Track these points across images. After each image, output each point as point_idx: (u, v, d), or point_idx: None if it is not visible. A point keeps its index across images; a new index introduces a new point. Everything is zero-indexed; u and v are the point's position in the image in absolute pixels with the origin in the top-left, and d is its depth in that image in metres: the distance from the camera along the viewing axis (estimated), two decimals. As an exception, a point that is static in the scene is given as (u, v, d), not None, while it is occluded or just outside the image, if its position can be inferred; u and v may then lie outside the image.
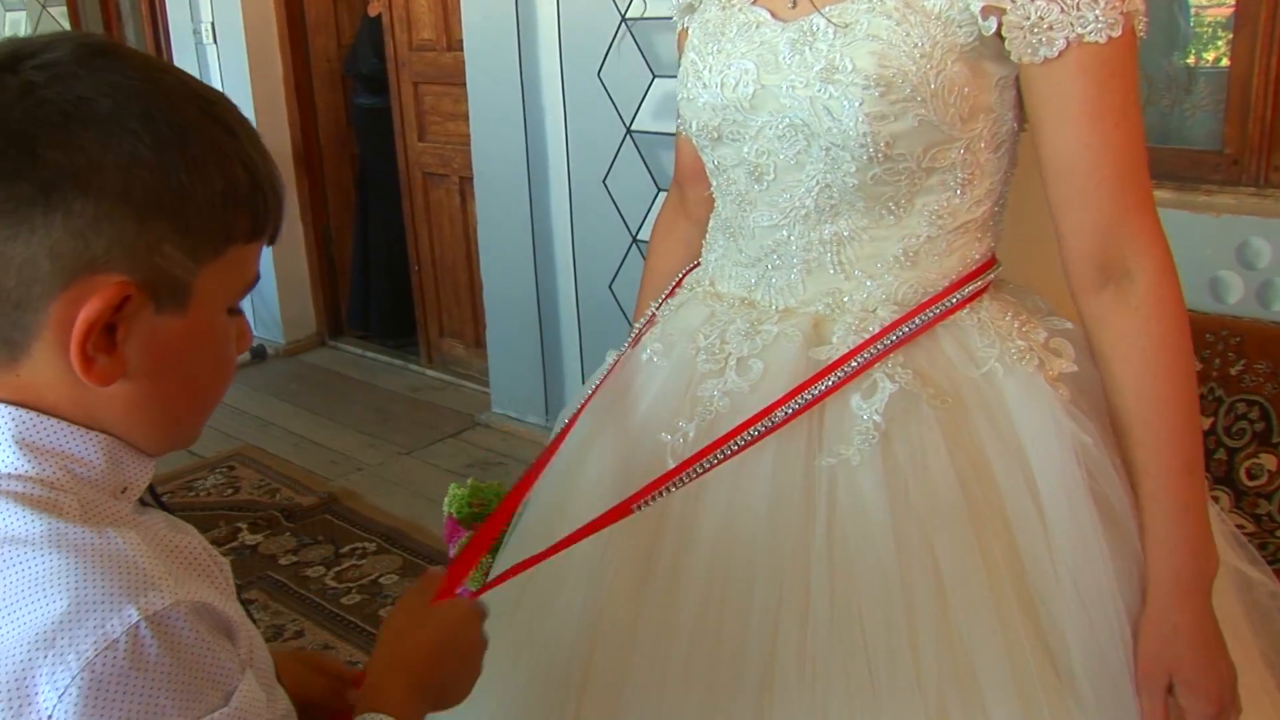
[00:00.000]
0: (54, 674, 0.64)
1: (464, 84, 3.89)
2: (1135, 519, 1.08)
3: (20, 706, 0.64)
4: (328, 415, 4.33)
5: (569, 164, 3.61)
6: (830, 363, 1.10)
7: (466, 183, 4.24)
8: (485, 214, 3.98)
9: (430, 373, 4.70)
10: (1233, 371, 2.20)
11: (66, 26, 6.16)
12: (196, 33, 4.95)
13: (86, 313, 0.70)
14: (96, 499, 0.73)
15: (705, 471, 1.09)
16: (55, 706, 0.64)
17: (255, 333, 5.08)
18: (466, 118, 3.94)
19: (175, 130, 0.72)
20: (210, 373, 0.80)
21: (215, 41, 4.89)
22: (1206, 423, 2.21)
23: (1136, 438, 1.06)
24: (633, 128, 3.36)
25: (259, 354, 4.98)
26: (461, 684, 0.96)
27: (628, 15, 3.26)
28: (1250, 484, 2.16)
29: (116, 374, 0.72)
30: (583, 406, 1.27)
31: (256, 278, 0.81)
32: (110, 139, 0.69)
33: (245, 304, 0.83)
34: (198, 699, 0.68)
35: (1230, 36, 2.44)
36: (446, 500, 2.51)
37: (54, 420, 0.73)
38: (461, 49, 3.88)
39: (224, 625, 0.72)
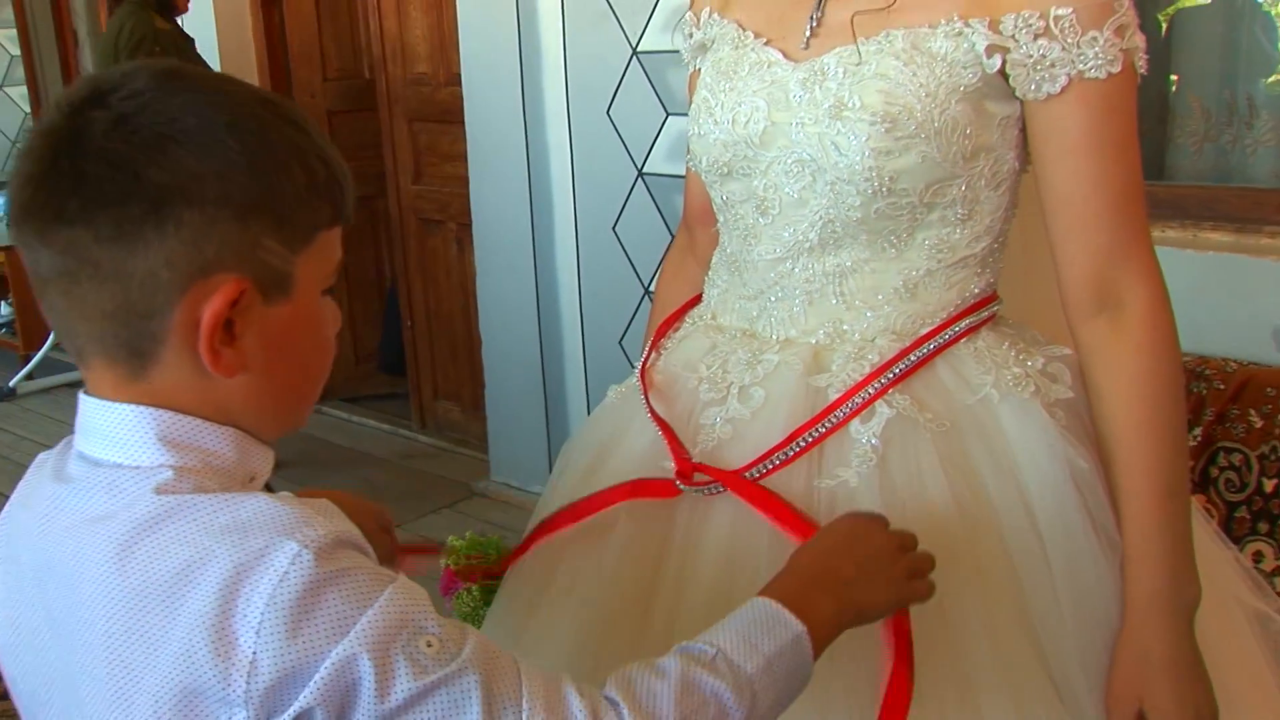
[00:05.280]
0: (246, 615, 0.82)
1: (462, 122, 4.06)
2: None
3: (227, 652, 0.81)
4: (310, 486, 4.42)
5: (576, 209, 3.77)
6: (832, 401, 1.29)
7: (464, 229, 4.39)
8: (485, 264, 4.14)
9: (423, 438, 4.88)
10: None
11: (15, 51, 6.63)
12: (164, 63, 5.13)
13: (211, 309, 0.89)
14: (231, 486, 0.94)
15: (718, 493, 1.30)
16: (255, 643, 0.81)
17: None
18: (465, 158, 4.10)
19: (258, 135, 0.92)
20: (316, 354, 1.01)
21: (185, 74, 5.07)
22: (1269, 484, 2.38)
23: (1121, 461, 1.25)
24: (645, 170, 3.52)
25: (231, 420, 5.12)
26: (869, 587, 1.11)
27: (639, 48, 3.43)
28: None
29: (240, 365, 0.93)
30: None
31: (342, 259, 1.01)
32: (204, 151, 0.89)
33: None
34: (373, 591, 0.85)
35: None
36: (443, 552, 2.68)
37: (188, 418, 0.93)
38: (459, 83, 4.05)
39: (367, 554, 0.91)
